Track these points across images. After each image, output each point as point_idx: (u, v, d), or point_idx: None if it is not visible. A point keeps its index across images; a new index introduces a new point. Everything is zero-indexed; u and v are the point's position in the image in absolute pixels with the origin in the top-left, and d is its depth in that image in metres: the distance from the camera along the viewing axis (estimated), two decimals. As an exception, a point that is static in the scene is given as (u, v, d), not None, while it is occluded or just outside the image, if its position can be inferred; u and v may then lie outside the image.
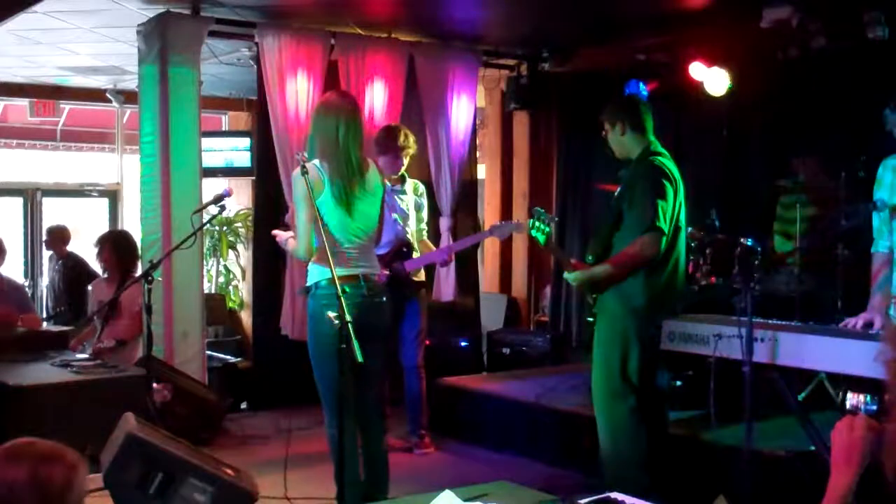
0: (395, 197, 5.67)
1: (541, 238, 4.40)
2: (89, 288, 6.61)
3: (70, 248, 8.26)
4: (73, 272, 7.99)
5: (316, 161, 4.07)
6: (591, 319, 4.42)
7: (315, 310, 4.06)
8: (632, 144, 4.37)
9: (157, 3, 6.13)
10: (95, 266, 6.93)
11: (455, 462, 5.71)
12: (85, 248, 6.77)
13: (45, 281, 8.70)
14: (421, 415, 5.84)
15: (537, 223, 4.40)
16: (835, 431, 1.93)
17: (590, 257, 4.45)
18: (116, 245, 6.29)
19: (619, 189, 4.43)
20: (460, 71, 7.52)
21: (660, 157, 4.31)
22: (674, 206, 4.22)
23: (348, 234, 4.08)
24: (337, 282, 3.55)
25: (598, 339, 4.35)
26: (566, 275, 4.49)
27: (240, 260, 9.77)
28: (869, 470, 3.72)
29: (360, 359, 3.30)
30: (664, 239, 4.14)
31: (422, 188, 5.91)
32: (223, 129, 10.21)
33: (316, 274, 4.09)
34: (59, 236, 8.17)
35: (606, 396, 4.30)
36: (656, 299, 4.25)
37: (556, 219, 4.46)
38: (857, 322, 4.14)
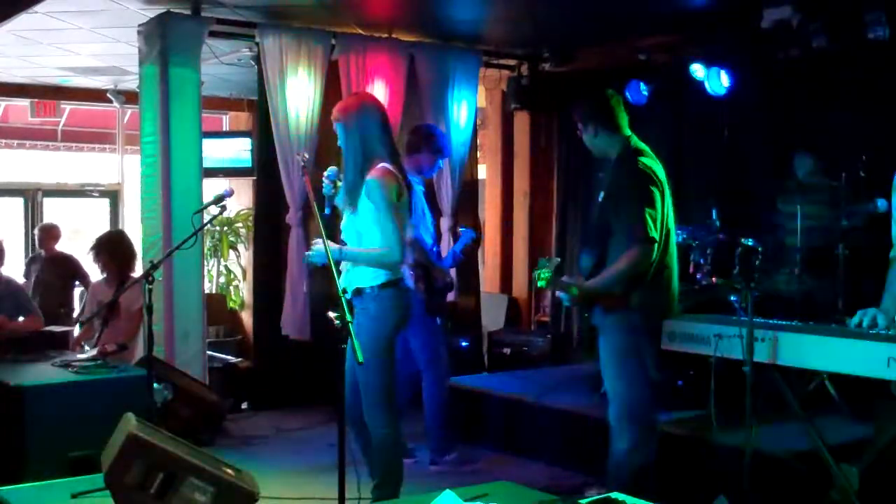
0: None
1: (543, 284, 4.26)
2: (80, 290, 6.59)
3: (70, 249, 8.26)
4: (62, 270, 8.02)
5: (388, 164, 4.03)
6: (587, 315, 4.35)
7: (379, 311, 4.00)
8: (607, 144, 4.23)
9: (157, 3, 6.14)
10: (89, 267, 6.91)
11: (455, 462, 5.70)
12: (85, 248, 6.76)
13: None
14: None
15: (541, 273, 4.24)
16: None
17: (586, 263, 4.28)
18: (111, 248, 6.27)
19: (603, 193, 4.29)
20: (461, 71, 7.52)
21: (643, 158, 4.15)
22: (662, 212, 4.09)
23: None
24: (338, 282, 3.55)
25: (606, 357, 4.21)
26: (561, 295, 4.32)
27: (240, 260, 9.78)
28: (872, 469, 3.71)
29: (360, 359, 3.30)
30: (656, 247, 4.03)
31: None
32: (224, 129, 10.21)
33: (374, 276, 4.02)
34: (50, 234, 8.18)
35: (628, 407, 4.16)
36: (656, 307, 4.21)
37: (559, 259, 4.43)
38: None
